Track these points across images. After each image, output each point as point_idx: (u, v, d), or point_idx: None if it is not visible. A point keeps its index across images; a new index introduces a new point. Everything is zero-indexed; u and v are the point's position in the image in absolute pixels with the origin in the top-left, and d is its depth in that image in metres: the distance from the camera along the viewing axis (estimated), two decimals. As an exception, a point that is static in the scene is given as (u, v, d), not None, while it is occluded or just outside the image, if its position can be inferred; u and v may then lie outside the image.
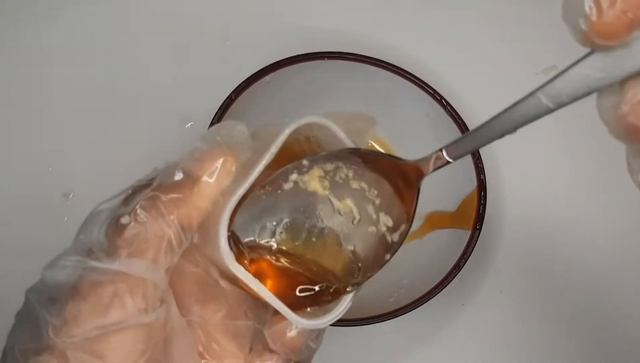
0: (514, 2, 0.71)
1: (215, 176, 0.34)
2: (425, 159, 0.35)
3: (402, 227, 0.37)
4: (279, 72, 0.56)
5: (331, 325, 0.52)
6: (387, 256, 0.38)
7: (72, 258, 0.33)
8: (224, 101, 0.56)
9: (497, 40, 0.69)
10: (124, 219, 0.33)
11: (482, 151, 0.56)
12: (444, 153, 0.34)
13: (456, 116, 0.56)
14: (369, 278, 0.38)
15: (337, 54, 0.57)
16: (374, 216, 0.37)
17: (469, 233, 0.56)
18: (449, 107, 0.56)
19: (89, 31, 0.67)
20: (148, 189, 0.34)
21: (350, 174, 0.36)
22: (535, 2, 0.71)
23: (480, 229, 0.55)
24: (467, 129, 0.56)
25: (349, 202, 0.36)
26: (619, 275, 0.65)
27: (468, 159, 0.57)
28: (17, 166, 0.63)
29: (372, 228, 0.37)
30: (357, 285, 0.37)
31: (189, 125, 0.64)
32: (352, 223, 0.37)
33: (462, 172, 0.57)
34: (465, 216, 0.56)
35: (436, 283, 0.54)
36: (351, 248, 0.37)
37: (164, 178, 0.34)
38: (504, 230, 0.64)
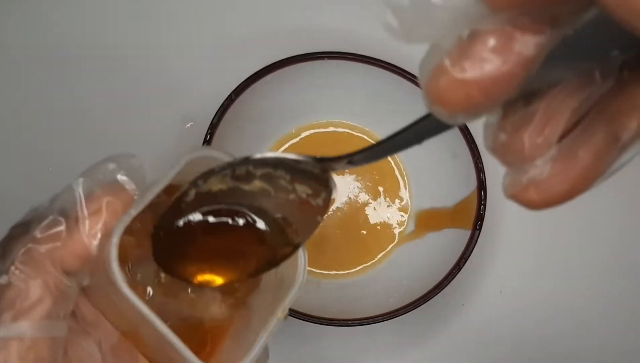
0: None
1: (99, 217, 0.33)
2: (332, 160, 0.34)
3: (323, 194, 0.36)
4: (279, 72, 0.57)
5: (331, 325, 0.53)
6: (318, 218, 0.38)
7: None
8: (224, 101, 0.56)
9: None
10: (2, 280, 0.31)
11: (482, 151, 0.57)
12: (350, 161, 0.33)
13: (459, 119, 0.56)
14: (307, 238, 0.38)
15: (337, 54, 0.57)
16: (290, 187, 0.37)
17: (469, 233, 0.56)
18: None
19: (89, 31, 0.67)
20: (23, 239, 0.32)
21: (251, 167, 0.36)
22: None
23: (480, 229, 0.55)
24: (466, 128, 0.56)
25: (257, 182, 0.37)
26: (619, 274, 0.65)
27: (468, 158, 0.57)
28: (17, 166, 0.63)
29: (292, 196, 0.37)
30: (298, 246, 0.38)
31: (189, 125, 0.64)
32: (270, 196, 0.37)
33: (462, 172, 0.57)
34: (465, 216, 0.56)
35: (436, 283, 0.54)
36: (279, 215, 0.38)
37: (39, 221, 0.33)
38: (504, 230, 0.64)
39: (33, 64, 0.66)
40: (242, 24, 0.68)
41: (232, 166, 0.35)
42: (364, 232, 0.61)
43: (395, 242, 0.61)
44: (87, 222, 0.33)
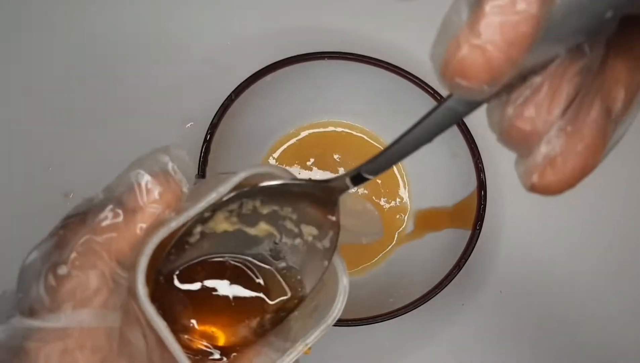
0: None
1: (153, 208, 0.33)
2: (340, 179, 0.34)
3: (330, 233, 0.36)
4: (279, 72, 0.56)
5: (336, 325, 0.53)
6: (325, 262, 0.37)
7: (14, 320, 0.31)
8: (224, 101, 0.56)
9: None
10: (61, 270, 0.31)
11: (482, 151, 0.57)
12: (362, 172, 0.33)
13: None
14: (314, 287, 0.38)
15: (337, 54, 0.57)
16: (296, 230, 0.37)
17: (469, 233, 0.56)
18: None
19: (89, 31, 0.67)
20: (81, 229, 0.32)
21: (258, 203, 0.36)
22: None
23: (480, 229, 0.55)
24: (466, 128, 0.56)
25: (263, 225, 0.37)
26: (619, 275, 0.65)
27: (468, 158, 0.57)
28: (17, 166, 0.63)
29: (298, 240, 0.37)
30: (304, 297, 0.38)
31: (189, 125, 0.64)
32: (275, 242, 0.37)
33: (462, 172, 0.57)
34: (465, 216, 0.56)
35: (436, 283, 0.54)
36: (284, 264, 0.38)
37: (97, 212, 0.33)
38: (504, 230, 0.64)
39: (33, 63, 0.66)
40: (242, 24, 0.68)
41: (240, 196, 0.35)
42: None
43: (395, 242, 0.61)
44: (143, 213, 0.32)
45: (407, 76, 0.57)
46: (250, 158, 0.61)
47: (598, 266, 0.65)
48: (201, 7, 0.68)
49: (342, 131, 0.62)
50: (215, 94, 0.58)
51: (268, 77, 0.56)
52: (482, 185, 0.56)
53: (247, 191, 0.35)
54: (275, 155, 0.62)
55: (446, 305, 0.62)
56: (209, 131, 0.55)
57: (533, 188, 0.27)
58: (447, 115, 0.27)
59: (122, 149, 0.64)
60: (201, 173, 0.54)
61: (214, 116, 0.55)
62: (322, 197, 0.35)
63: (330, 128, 0.62)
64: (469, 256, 0.55)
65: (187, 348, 0.36)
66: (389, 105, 0.60)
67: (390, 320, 0.54)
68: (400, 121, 0.59)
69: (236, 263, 0.37)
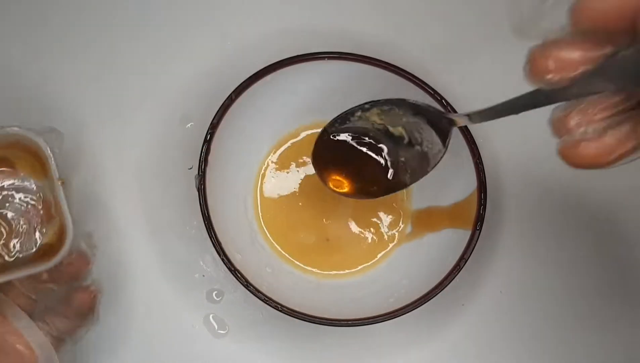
0: (515, 1, 0.71)
1: None
2: (455, 115, 0.50)
3: (440, 150, 0.51)
4: (279, 72, 0.56)
5: (331, 325, 0.53)
6: (429, 168, 0.53)
7: None
8: (224, 101, 0.56)
9: (498, 39, 0.69)
10: None
11: (482, 151, 0.56)
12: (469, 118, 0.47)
13: (456, 116, 0.56)
14: (416, 181, 0.54)
15: (337, 54, 0.57)
16: (420, 138, 0.52)
17: (469, 233, 0.56)
18: (449, 108, 0.56)
19: (88, 30, 0.67)
20: None
21: (401, 112, 0.52)
22: (536, 2, 0.71)
23: (480, 229, 0.55)
24: (466, 128, 0.56)
25: (400, 129, 0.53)
26: (619, 277, 0.65)
27: (468, 158, 0.57)
28: (17, 166, 0.63)
29: (418, 148, 0.53)
30: (407, 185, 0.54)
31: (189, 125, 0.64)
32: (403, 143, 0.53)
33: (462, 172, 0.57)
34: (465, 217, 0.56)
35: (436, 283, 0.54)
36: (403, 159, 0.54)
37: None
38: (504, 229, 0.64)
39: (33, 62, 0.66)
40: (242, 24, 0.68)
41: (391, 103, 0.52)
42: (364, 232, 0.61)
43: (395, 242, 0.61)
44: None
45: (407, 76, 0.57)
46: (250, 158, 0.61)
47: (599, 266, 0.65)
48: (201, 7, 0.68)
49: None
50: (215, 94, 0.58)
51: (268, 78, 0.56)
52: (482, 185, 0.56)
53: (397, 100, 0.52)
54: (276, 155, 0.62)
55: (446, 305, 0.62)
56: (209, 131, 0.55)
57: (559, 152, 0.36)
58: (530, 98, 0.38)
59: (122, 149, 0.64)
60: (202, 173, 0.54)
61: (214, 116, 0.55)
62: (441, 125, 0.50)
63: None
64: (469, 256, 0.55)
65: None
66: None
67: (390, 320, 0.54)
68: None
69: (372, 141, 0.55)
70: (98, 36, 0.66)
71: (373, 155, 0.55)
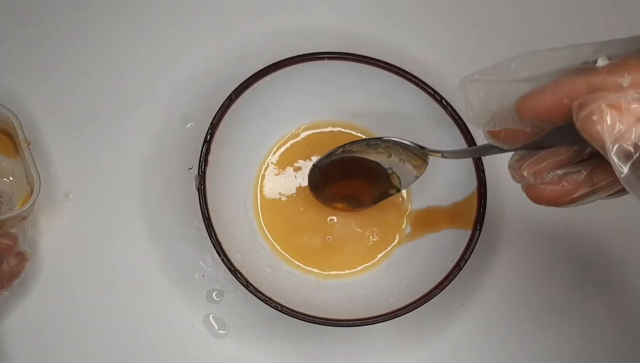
0: (515, 1, 0.71)
1: None
2: (430, 151, 0.53)
3: (422, 168, 0.56)
4: (279, 72, 0.57)
5: (331, 325, 0.53)
6: (415, 178, 0.57)
7: None
8: (224, 102, 0.56)
9: (497, 39, 0.69)
10: None
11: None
12: (443, 154, 0.52)
13: (456, 117, 0.56)
14: (405, 188, 0.59)
15: (337, 54, 0.57)
16: (403, 157, 0.56)
17: (469, 233, 0.56)
18: (449, 108, 0.57)
19: (89, 30, 0.67)
20: None
21: (379, 142, 0.56)
22: (536, 2, 0.71)
23: (480, 229, 0.55)
24: (466, 128, 0.56)
25: (381, 150, 0.56)
26: (620, 274, 0.65)
27: (468, 159, 0.57)
28: (17, 166, 0.63)
29: (402, 163, 0.56)
30: (398, 190, 0.59)
31: (189, 125, 0.64)
32: (387, 158, 0.57)
33: (462, 172, 0.57)
34: (465, 217, 0.56)
35: (436, 283, 0.54)
36: (391, 170, 0.58)
37: None
38: (504, 229, 0.64)
39: (33, 62, 0.66)
40: (242, 25, 0.68)
41: (367, 141, 0.56)
42: (364, 232, 0.61)
43: (395, 242, 0.61)
44: None
45: (407, 76, 0.57)
46: (250, 158, 0.61)
47: (599, 265, 0.65)
48: (201, 7, 0.68)
49: (342, 131, 0.62)
50: (215, 94, 0.58)
51: (268, 78, 0.56)
52: (482, 185, 0.56)
53: (376, 138, 0.56)
54: (276, 155, 0.62)
55: (446, 305, 0.62)
56: (209, 131, 0.55)
57: (522, 189, 0.40)
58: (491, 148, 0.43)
59: (122, 149, 0.64)
60: (202, 173, 0.54)
61: (214, 116, 0.55)
62: (419, 154, 0.55)
63: (330, 128, 0.62)
64: (469, 256, 0.55)
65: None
66: (388, 105, 0.60)
67: (390, 320, 0.54)
68: (400, 122, 0.59)
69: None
70: (98, 36, 0.67)
71: (362, 165, 0.58)
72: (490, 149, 0.45)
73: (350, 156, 0.58)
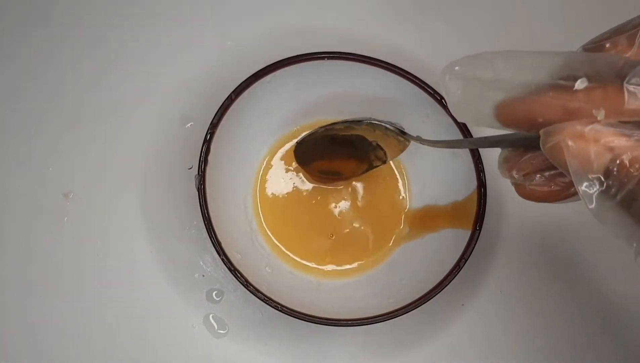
0: (514, 1, 0.71)
1: None
2: (412, 137, 0.55)
3: (403, 141, 0.56)
4: (278, 72, 0.56)
5: (331, 325, 0.53)
6: (399, 152, 0.57)
7: None
8: (224, 102, 0.56)
9: (497, 39, 0.69)
10: None
11: (482, 151, 0.57)
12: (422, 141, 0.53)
13: (456, 116, 0.56)
14: (391, 159, 0.59)
15: (337, 54, 0.57)
16: (387, 133, 0.56)
17: (469, 233, 0.56)
18: (448, 108, 0.56)
19: (88, 30, 0.67)
20: None
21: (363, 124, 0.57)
22: (535, 2, 0.71)
23: (480, 229, 0.55)
24: (466, 128, 0.56)
25: (364, 126, 0.57)
26: (620, 274, 0.65)
27: (468, 158, 0.57)
28: (17, 166, 0.63)
29: (387, 137, 0.56)
30: (384, 162, 0.59)
31: (189, 125, 0.64)
32: (372, 132, 0.57)
33: (462, 172, 0.57)
34: (465, 216, 0.56)
35: (436, 283, 0.54)
36: (375, 143, 0.58)
37: None
38: (504, 229, 0.64)
39: (33, 62, 0.66)
40: (242, 24, 0.68)
41: (349, 121, 0.57)
42: (364, 232, 0.61)
43: (395, 242, 0.61)
44: None
45: (407, 75, 0.57)
46: (250, 158, 0.61)
47: (599, 264, 0.65)
48: (201, 7, 0.68)
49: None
50: (215, 94, 0.58)
51: (268, 78, 0.56)
52: (482, 185, 0.56)
53: (359, 119, 0.57)
54: (276, 155, 0.62)
55: (446, 305, 0.62)
56: (209, 131, 0.55)
57: (513, 186, 0.41)
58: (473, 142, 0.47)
59: (122, 149, 0.64)
60: (201, 173, 0.54)
61: (214, 116, 0.55)
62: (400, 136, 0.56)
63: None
64: (469, 256, 0.55)
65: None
66: (389, 105, 0.60)
67: (390, 320, 0.54)
68: (400, 121, 0.59)
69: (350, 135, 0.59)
70: (98, 36, 0.67)
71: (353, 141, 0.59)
72: (467, 143, 0.49)
73: (335, 133, 0.58)
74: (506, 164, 0.40)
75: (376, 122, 0.56)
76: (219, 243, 0.53)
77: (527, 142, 0.39)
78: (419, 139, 0.53)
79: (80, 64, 0.66)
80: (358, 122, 0.57)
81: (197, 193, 0.54)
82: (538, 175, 0.39)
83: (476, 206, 0.56)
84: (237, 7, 0.68)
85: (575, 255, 0.65)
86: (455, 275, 0.55)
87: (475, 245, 0.55)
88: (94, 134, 0.64)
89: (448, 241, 0.57)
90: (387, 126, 0.55)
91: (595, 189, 0.32)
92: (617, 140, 0.31)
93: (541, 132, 0.33)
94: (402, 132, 0.55)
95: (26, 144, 0.64)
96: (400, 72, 0.57)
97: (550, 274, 0.64)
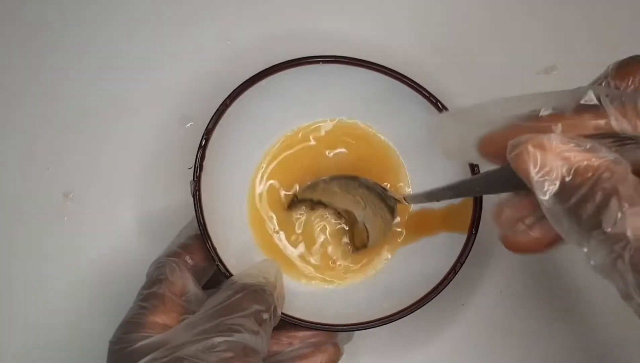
0: (513, 2, 0.70)
1: None
2: (397, 196, 0.59)
3: (391, 220, 0.59)
4: (274, 76, 0.56)
5: (327, 330, 0.53)
6: (383, 233, 0.59)
7: None
8: (219, 107, 0.55)
9: (495, 40, 0.68)
10: None
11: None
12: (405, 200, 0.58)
13: (452, 119, 0.56)
14: (375, 242, 0.60)
15: (332, 58, 0.57)
16: (377, 209, 0.59)
17: (464, 237, 0.55)
18: (444, 111, 0.56)
19: (88, 30, 0.67)
20: None
21: (356, 185, 0.59)
22: (534, 2, 0.70)
23: (476, 233, 0.55)
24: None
25: (357, 197, 0.59)
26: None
27: (464, 162, 0.56)
28: (17, 166, 0.63)
29: (375, 217, 0.59)
30: (366, 247, 0.60)
31: (189, 125, 0.65)
32: (361, 209, 0.59)
33: (457, 175, 0.57)
34: (461, 220, 0.56)
35: (431, 288, 0.54)
36: (363, 225, 0.60)
37: None
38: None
39: (33, 62, 0.66)
40: (243, 25, 0.68)
41: (345, 179, 0.60)
42: (360, 237, 0.61)
43: (392, 246, 0.61)
44: None
45: (401, 78, 0.57)
46: (246, 162, 0.60)
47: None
48: (202, 7, 0.68)
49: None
50: (215, 94, 0.58)
51: (263, 82, 0.56)
52: (478, 187, 0.56)
53: (351, 177, 0.59)
54: (272, 160, 0.62)
55: (446, 306, 0.62)
56: (203, 137, 0.55)
57: (501, 241, 0.43)
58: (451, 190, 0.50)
59: (122, 149, 0.64)
60: (197, 179, 0.54)
61: (209, 122, 0.55)
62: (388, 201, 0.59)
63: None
64: (465, 260, 0.55)
65: None
66: (384, 108, 0.59)
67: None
68: (396, 124, 0.59)
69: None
70: (98, 36, 0.67)
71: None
72: (449, 192, 0.50)
73: (330, 201, 0.61)
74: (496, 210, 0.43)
75: (370, 182, 0.59)
76: (214, 249, 0.53)
77: (502, 175, 0.41)
78: (402, 199, 0.58)
79: (80, 64, 0.66)
80: (354, 185, 0.60)
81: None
82: (520, 223, 0.41)
83: (472, 209, 0.56)
84: (238, 7, 0.68)
85: (575, 253, 0.64)
86: (451, 280, 0.54)
87: (471, 248, 0.55)
88: (94, 134, 0.64)
89: (444, 245, 0.57)
90: (378, 189, 0.60)
91: (550, 195, 0.35)
92: (573, 150, 0.35)
93: (508, 144, 0.37)
94: (385, 191, 0.60)
95: (26, 144, 0.64)
96: (395, 74, 0.57)
97: (550, 273, 0.64)
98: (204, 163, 0.55)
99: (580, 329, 0.63)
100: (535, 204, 0.39)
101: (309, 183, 0.60)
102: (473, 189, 0.49)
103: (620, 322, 0.63)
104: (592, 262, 0.35)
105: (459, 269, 0.54)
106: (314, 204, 0.61)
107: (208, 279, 0.55)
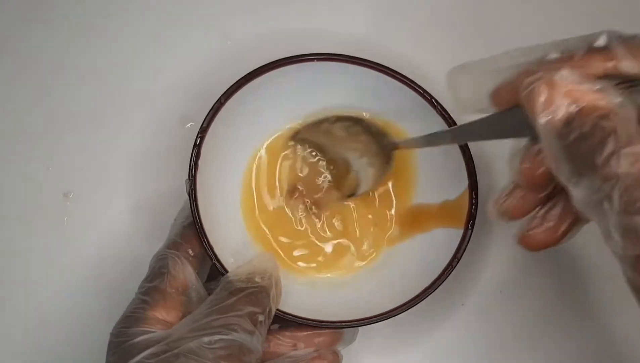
0: (512, 2, 0.70)
1: None
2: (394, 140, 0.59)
3: (386, 167, 0.59)
4: (268, 74, 0.56)
5: (325, 327, 0.53)
6: (378, 182, 0.60)
7: None
8: (214, 105, 0.55)
9: (493, 40, 0.68)
10: None
11: (474, 148, 0.56)
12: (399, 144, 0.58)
13: (446, 116, 0.56)
14: (366, 189, 0.61)
15: (326, 56, 0.57)
16: (372, 159, 0.59)
17: (461, 232, 0.55)
18: (439, 107, 0.56)
19: (88, 30, 0.67)
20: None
21: (360, 129, 0.60)
22: (533, 2, 0.70)
23: (472, 228, 0.55)
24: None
25: (357, 144, 0.60)
26: (620, 273, 0.64)
27: (459, 155, 0.56)
28: (16, 165, 0.64)
29: (369, 166, 0.60)
30: (354, 195, 0.61)
31: (189, 125, 0.65)
32: (357, 158, 0.60)
33: (452, 169, 0.57)
34: (457, 215, 0.56)
35: (428, 284, 0.54)
36: (355, 174, 0.60)
37: None
38: (504, 228, 0.64)
39: (33, 62, 0.66)
40: (243, 24, 0.68)
41: (350, 119, 0.60)
42: (357, 233, 0.61)
43: (388, 243, 0.61)
44: None
45: (396, 75, 0.57)
46: (241, 160, 0.61)
47: (600, 263, 0.64)
48: (202, 7, 0.68)
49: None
50: (215, 95, 0.58)
51: (258, 80, 0.56)
52: (473, 184, 0.56)
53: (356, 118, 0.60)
54: (267, 157, 0.62)
55: (445, 305, 0.62)
56: (198, 135, 0.55)
57: (518, 242, 0.46)
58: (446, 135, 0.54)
59: (122, 148, 0.64)
60: (192, 177, 0.54)
61: (204, 120, 0.55)
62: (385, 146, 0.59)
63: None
64: (462, 255, 0.54)
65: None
66: (380, 106, 0.59)
67: (389, 320, 0.54)
68: (388, 120, 0.59)
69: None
70: (98, 36, 0.67)
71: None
72: (450, 136, 0.52)
73: (330, 145, 0.61)
74: (497, 206, 0.47)
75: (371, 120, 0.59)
76: (211, 247, 0.53)
77: (506, 118, 0.42)
78: (399, 142, 0.58)
79: (80, 64, 0.66)
80: (356, 127, 0.60)
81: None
82: (532, 217, 0.44)
83: (468, 204, 0.55)
84: (238, 6, 0.68)
85: (576, 252, 0.64)
86: (448, 275, 0.54)
87: (467, 244, 0.55)
88: (94, 134, 0.65)
89: (440, 241, 0.57)
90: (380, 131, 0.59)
91: (553, 131, 0.36)
92: (583, 89, 0.35)
93: (523, 82, 0.37)
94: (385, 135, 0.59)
95: (26, 144, 0.64)
96: (389, 71, 0.57)
97: (551, 273, 0.64)
98: (199, 162, 0.55)
99: (581, 329, 0.63)
100: (540, 197, 0.44)
101: (314, 120, 0.61)
102: (473, 133, 0.48)
103: (620, 322, 0.63)
104: (579, 199, 0.37)
105: (456, 265, 0.54)
106: (312, 148, 0.62)
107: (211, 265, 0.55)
